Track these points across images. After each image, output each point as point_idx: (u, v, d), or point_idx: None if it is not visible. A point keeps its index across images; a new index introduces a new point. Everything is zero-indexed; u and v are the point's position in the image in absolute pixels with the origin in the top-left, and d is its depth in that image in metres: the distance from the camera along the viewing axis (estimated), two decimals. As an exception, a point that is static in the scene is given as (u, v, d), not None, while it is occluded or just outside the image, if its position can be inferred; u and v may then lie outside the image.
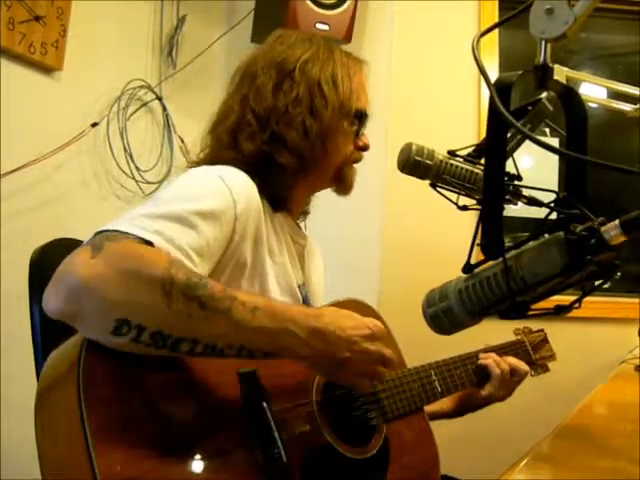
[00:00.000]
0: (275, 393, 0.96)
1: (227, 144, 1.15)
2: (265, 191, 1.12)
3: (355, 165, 1.25)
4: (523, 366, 1.40)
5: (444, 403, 1.37)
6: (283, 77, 1.15)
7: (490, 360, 1.35)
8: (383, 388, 1.14)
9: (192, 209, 0.95)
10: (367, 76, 1.24)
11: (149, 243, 0.86)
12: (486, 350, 1.40)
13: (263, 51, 1.21)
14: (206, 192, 1.00)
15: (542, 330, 1.55)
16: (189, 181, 1.05)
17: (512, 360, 1.39)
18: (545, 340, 1.54)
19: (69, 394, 0.80)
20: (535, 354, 1.50)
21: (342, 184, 1.23)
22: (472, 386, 1.35)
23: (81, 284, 0.79)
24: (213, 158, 1.16)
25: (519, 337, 1.51)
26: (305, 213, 1.33)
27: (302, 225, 1.34)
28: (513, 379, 1.38)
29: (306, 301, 1.21)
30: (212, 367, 0.92)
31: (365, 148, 1.24)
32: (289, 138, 1.12)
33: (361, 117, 1.20)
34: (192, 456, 0.85)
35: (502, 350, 1.43)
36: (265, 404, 0.94)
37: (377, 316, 1.22)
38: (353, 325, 0.97)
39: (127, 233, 0.86)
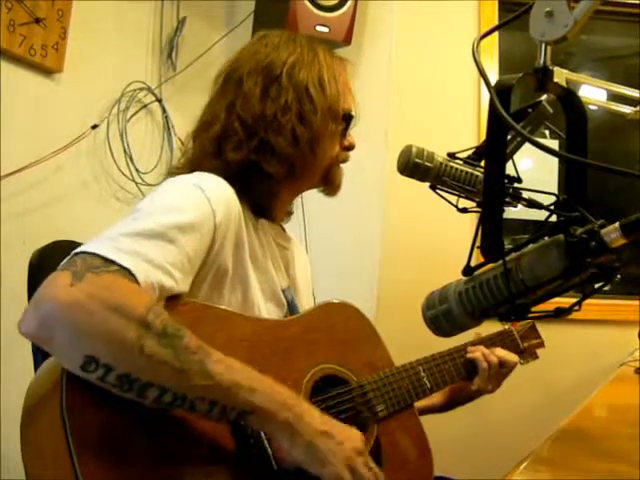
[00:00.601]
0: None
1: (211, 152, 1.12)
2: (247, 198, 1.11)
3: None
4: (512, 357, 1.39)
5: (434, 397, 1.35)
6: (270, 82, 1.13)
7: (478, 353, 1.34)
8: (372, 388, 1.13)
9: (171, 223, 0.93)
10: (351, 75, 1.23)
11: (128, 270, 0.84)
12: (474, 343, 1.39)
13: (248, 54, 1.18)
14: (184, 203, 0.98)
15: None
16: (167, 192, 1.02)
17: (500, 352, 1.38)
18: (533, 327, 1.53)
19: (54, 415, 0.79)
20: (524, 342, 1.48)
21: (330, 185, 1.22)
22: (462, 380, 1.34)
23: (57, 311, 0.78)
24: (195, 166, 1.13)
25: (507, 326, 1.49)
26: (289, 213, 1.29)
27: (291, 226, 1.32)
28: (502, 370, 1.37)
29: (291, 305, 1.19)
30: None
31: (351, 148, 1.22)
32: (278, 146, 1.10)
33: (348, 118, 1.19)
34: (180, 473, 0.84)
35: (490, 341, 1.41)
36: None
37: (365, 318, 1.22)
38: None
39: (106, 259, 0.84)
